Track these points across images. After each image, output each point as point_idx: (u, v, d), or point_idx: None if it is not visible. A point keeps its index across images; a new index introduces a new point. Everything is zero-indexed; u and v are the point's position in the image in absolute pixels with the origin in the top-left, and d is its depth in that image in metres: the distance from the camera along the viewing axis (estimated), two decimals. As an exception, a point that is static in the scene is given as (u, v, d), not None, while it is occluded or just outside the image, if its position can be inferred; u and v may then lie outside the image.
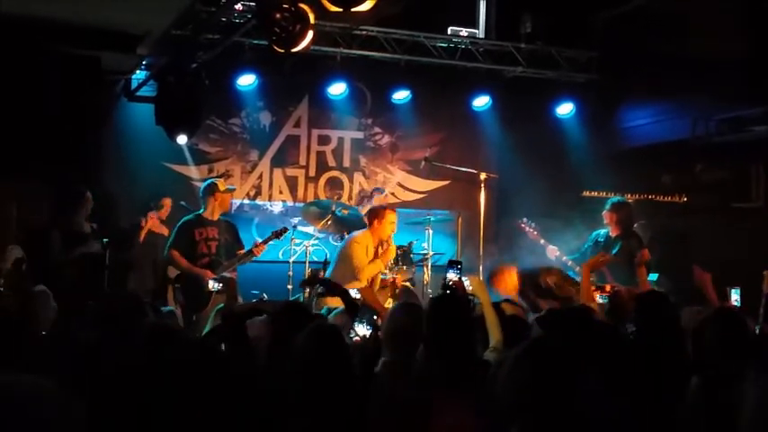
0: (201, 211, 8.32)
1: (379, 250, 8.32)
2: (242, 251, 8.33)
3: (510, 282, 7.24)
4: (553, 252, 8.87)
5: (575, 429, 2.12)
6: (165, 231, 9.23)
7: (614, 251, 8.24)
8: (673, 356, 4.19)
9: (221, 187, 8.34)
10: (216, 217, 8.29)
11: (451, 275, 5.20)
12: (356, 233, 8.47)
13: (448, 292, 5.09)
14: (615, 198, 8.89)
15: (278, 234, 8.56)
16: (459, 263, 5.30)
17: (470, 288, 5.34)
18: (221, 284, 7.75)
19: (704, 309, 5.65)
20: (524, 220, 8.94)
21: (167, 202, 9.56)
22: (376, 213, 8.44)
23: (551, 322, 4.15)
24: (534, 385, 2.14)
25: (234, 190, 8.81)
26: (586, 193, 9.81)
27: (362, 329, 4.70)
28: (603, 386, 2.81)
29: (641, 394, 3.51)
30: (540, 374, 2.14)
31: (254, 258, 8.32)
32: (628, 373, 3.45)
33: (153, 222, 9.39)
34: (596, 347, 3.46)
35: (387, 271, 8.57)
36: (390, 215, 8.35)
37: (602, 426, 2.19)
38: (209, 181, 8.61)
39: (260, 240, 8.50)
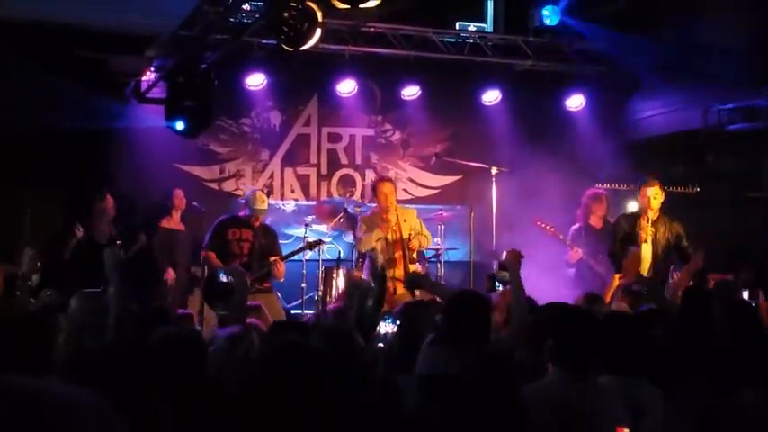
0: (239, 213, 8.43)
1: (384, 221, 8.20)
2: (276, 258, 8.31)
3: None
4: (576, 255, 8.85)
5: None
6: (182, 227, 9.19)
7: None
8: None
9: (256, 205, 8.31)
10: (255, 222, 8.35)
11: None
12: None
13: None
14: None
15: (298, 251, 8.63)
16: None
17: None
18: (229, 276, 7.71)
19: None
20: (541, 219, 8.95)
21: (178, 193, 9.29)
22: (372, 188, 8.46)
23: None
24: None
25: (265, 211, 8.53)
26: (598, 186, 9.77)
27: (388, 326, 4.66)
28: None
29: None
30: None
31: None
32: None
33: (173, 221, 9.33)
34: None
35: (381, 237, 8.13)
36: (382, 185, 8.25)
37: None
38: (249, 192, 8.66)
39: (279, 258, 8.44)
